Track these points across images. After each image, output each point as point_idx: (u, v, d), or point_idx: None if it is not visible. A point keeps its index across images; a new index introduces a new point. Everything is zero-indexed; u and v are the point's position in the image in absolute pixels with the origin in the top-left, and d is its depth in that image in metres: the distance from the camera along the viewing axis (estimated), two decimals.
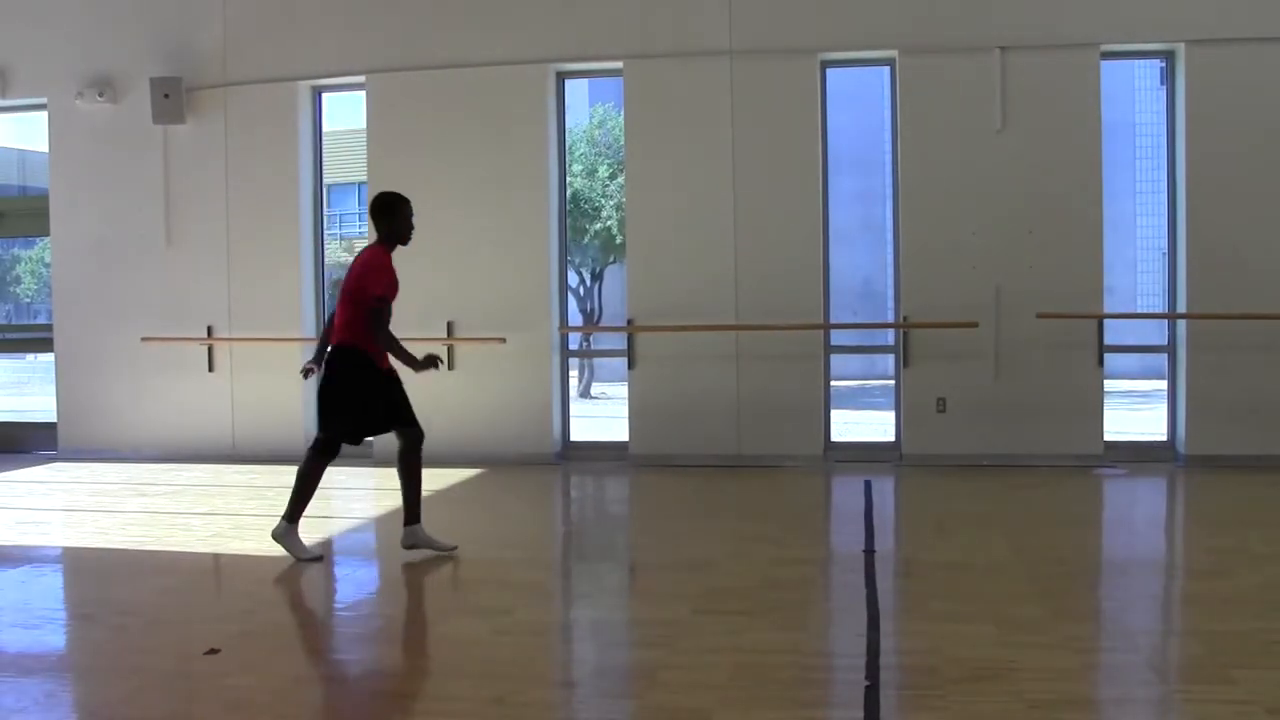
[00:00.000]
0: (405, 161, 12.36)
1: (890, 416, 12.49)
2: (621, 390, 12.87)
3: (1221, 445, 11.46)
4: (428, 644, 5.91)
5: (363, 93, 12.70)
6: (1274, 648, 5.62)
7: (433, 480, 10.95)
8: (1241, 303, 11.35)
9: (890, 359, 12.45)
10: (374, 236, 7.94)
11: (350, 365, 7.70)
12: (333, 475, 11.64)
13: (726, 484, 11.09)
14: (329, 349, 7.88)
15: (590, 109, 28.72)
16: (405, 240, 7.93)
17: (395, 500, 10.14)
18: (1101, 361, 11.64)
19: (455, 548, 7.94)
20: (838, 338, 12.64)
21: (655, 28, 12.05)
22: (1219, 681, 5.13)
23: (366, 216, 8.12)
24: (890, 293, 12.42)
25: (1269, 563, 7.52)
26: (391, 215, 7.84)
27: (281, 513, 7.90)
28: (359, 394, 7.72)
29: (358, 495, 11.09)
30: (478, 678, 5.32)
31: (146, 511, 9.96)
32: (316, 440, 7.92)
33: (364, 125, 12.76)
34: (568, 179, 13.77)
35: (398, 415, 7.91)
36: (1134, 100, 30.16)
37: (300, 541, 7.84)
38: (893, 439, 12.21)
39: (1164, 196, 12.13)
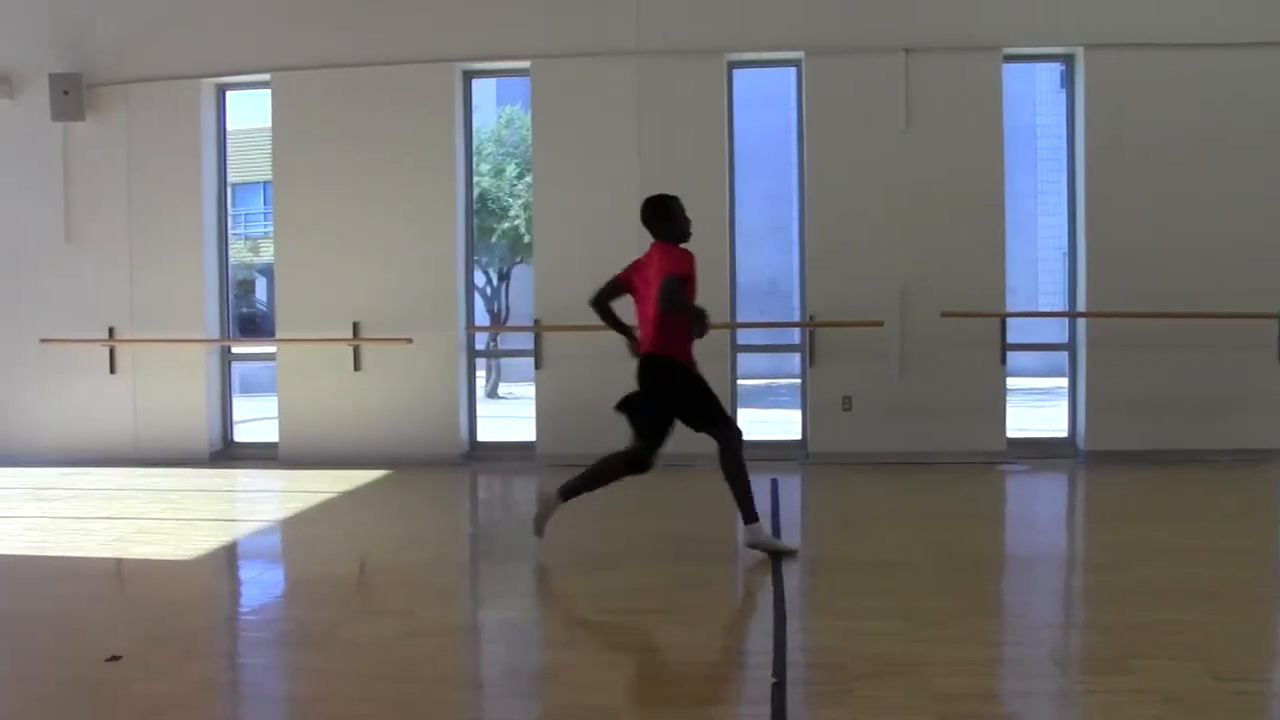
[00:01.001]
0: (311, 160, 12.28)
1: (797, 415, 12.57)
2: (529, 390, 12.85)
3: (1119, 441, 11.68)
4: (336, 647, 5.85)
5: (268, 91, 12.57)
6: (1170, 638, 5.72)
7: (340, 481, 10.92)
8: (1139, 302, 11.56)
9: (796, 358, 12.53)
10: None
11: (660, 372, 7.82)
12: (238, 478, 11.61)
13: (633, 483, 11.05)
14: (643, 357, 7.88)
15: (498, 109, 28.63)
16: (687, 237, 7.90)
17: (300, 502, 10.10)
18: (1004, 359, 11.81)
19: (795, 550, 7.81)
20: (744, 337, 12.72)
21: (562, 28, 12.05)
22: (1118, 672, 5.22)
23: (641, 222, 8.08)
24: (797, 292, 12.49)
25: (1165, 555, 7.65)
26: (668, 219, 7.87)
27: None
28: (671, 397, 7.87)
29: (263, 498, 10.99)
30: (385, 679, 5.29)
31: (46, 516, 9.77)
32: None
33: (269, 124, 12.63)
34: (475, 178, 13.71)
35: (709, 416, 7.89)
36: (1035, 102, 30.58)
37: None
38: (799, 437, 12.30)
39: (1064, 197, 12.32)
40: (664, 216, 7.87)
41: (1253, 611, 6.47)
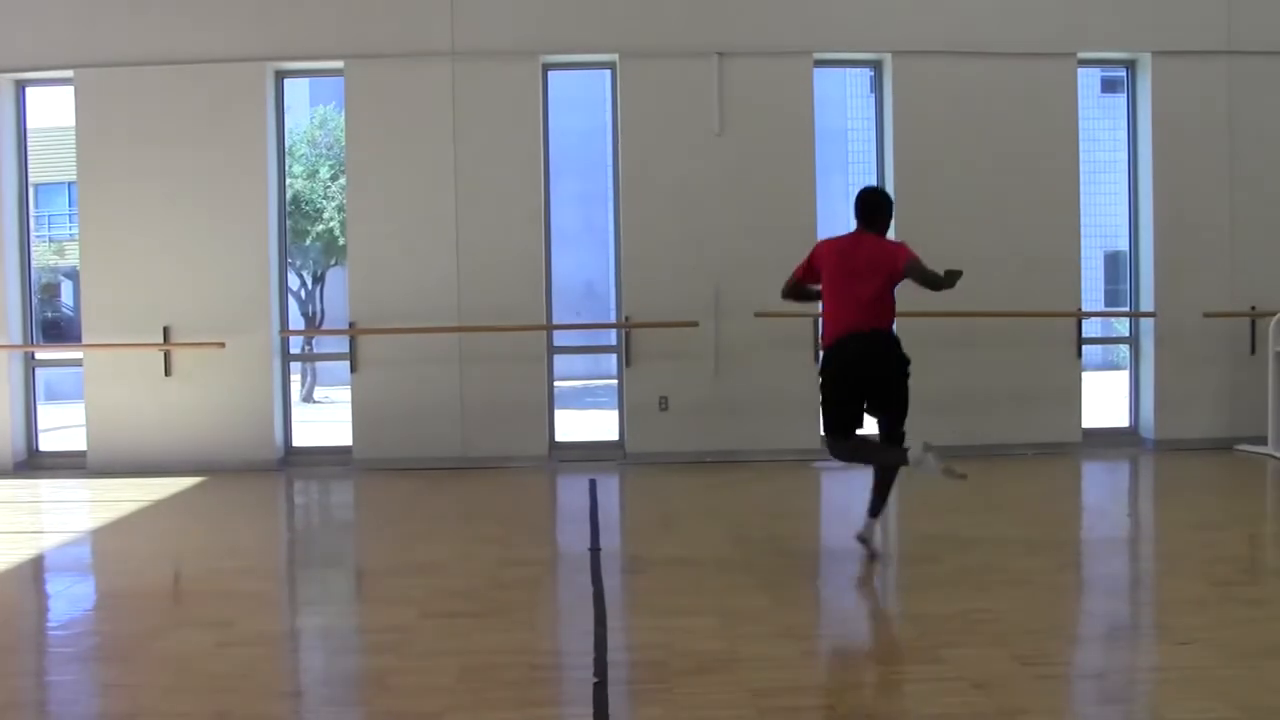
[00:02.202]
0: (118, 161, 11.96)
1: (614, 416, 12.65)
2: (345, 394, 12.72)
3: (929, 435, 11.79)
4: (148, 660, 5.72)
5: (71, 88, 12.19)
6: (978, 627, 5.91)
7: (152, 490, 10.70)
8: (945, 301, 11.83)
9: (613, 359, 12.62)
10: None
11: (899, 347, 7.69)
12: (44, 488, 11.29)
13: (452, 486, 11.07)
14: (869, 335, 7.61)
15: (311, 109, 28.23)
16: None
17: (110, 512, 9.86)
18: (817, 358, 12.02)
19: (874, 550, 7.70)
20: (561, 338, 12.75)
21: (377, 28, 11.95)
22: (929, 661, 5.39)
23: (856, 212, 7.97)
24: (613, 293, 12.59)
25: (973, 547, 7.88)
26: (891, 215, 7.98)
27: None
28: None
29: (71, 508, 10.70)
30: (201, 692, 5.19)
31: None
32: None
33: (73, 122, 12.25)
34: (288, 180, 13.53)
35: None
36: (846, 106, 31.16)
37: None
38: (616, 438, 12.38)
39: None
40: (887, 215, 8.00)
41: (1053, 598, 6.76)
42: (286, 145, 12.95)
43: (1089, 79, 14.34)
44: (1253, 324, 12.34)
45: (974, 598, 6.53)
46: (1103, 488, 11.39)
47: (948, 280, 7.35)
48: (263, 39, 11.99)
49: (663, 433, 12.01)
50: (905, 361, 7.67)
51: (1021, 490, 10.51)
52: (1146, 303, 12.51)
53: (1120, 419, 13.01)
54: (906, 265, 7.50)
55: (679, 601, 6.53)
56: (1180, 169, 12.29)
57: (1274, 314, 11.78)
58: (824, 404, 7.68)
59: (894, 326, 7.81)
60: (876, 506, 7.76)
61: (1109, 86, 21.45)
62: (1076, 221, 12.24)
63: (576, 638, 5.97)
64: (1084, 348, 12.36)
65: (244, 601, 6.92)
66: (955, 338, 11.97)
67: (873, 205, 7.92)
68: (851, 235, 7.87)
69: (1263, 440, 11.82)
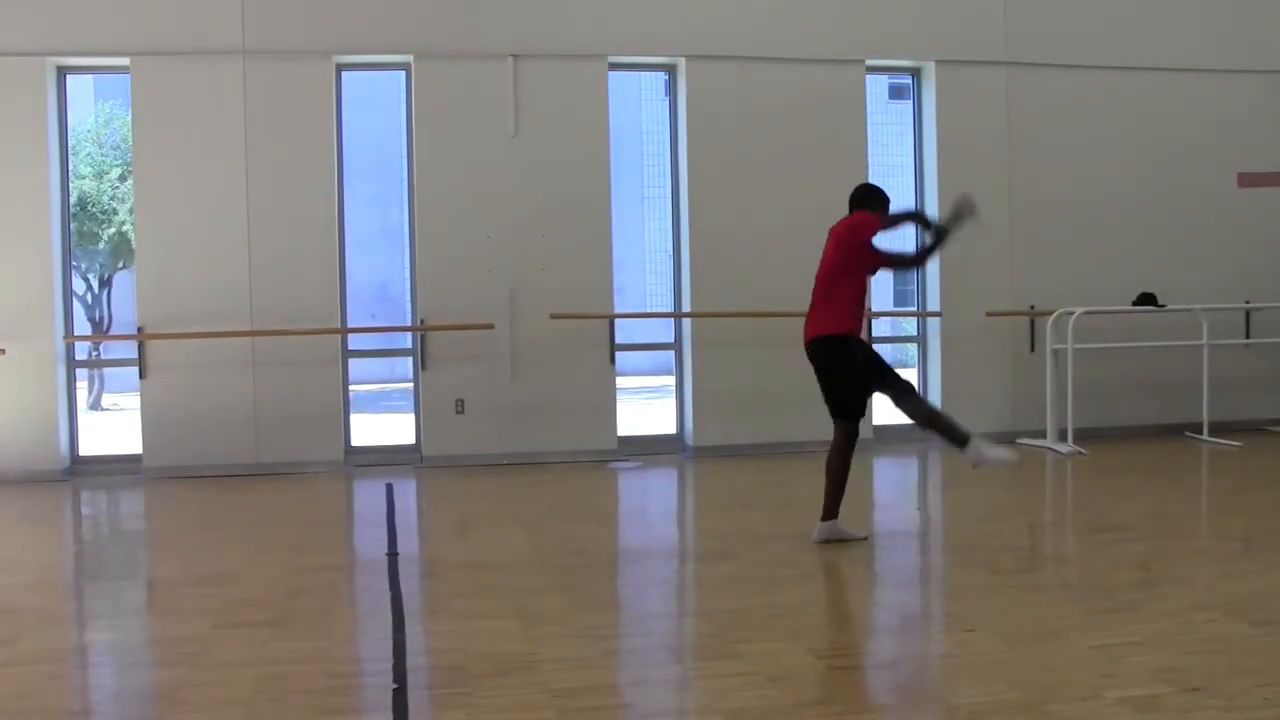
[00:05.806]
0: None
1: (410, 419, 12.57)
2: (134, 401, 12.41)
3: (724, 436, 12.20)
4: None
5: None
6: (774, 621, 6.03)
7: None
8: (738, 301, 12.10)
9: (409, 361, 12.55)
10: None
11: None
12: None
13: (245, 493, 10.88)
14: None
15: (97, 107, 27.46)
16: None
17: None
18: (613, 359, 12.14)
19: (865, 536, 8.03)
20: (355, 342, 12.61)
21: (164, 24, 11.65)
22: (727, 657, 5.47)
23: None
24: (408, 295, 12.52)
25: (768, 543, 8.04)
26: (873, 203, 8.33)
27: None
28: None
29: None
30: None
31: None
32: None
33: None
34: (74, 181, 13.12)
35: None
36: (642, 108, 31.45)
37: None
38: (413, 441, 12.31)
39: (669, 201, 12.76)
40: (870, 202, 8.50)
41: (846, 591, 6.97)
42: (70, 144, 12.55)
43: (877, 86, 14.73)
44: (1031, 323, 12.83)
45: (769, 593, 6.67)
46: (893, 482, 11.69)
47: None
48: (43, 33, 11.59)
49: (459, 435, 11.98)
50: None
51: (813, 487, 10.69)
52: (933, 303, 12.91)
53: None
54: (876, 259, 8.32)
55: (478, 604, 6.53)
56: (962, 173, 12.65)
57: (1051, 313, 12.27)
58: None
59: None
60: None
61: (896, 93, 22.04)
62: None
63: (375, 644, 5.92)
64: (875, 347, 12.66)
65: (27, 618, 6.68)
66: (751, 338, 12.17)
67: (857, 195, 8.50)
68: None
69: (1042, 434, 12.30)
